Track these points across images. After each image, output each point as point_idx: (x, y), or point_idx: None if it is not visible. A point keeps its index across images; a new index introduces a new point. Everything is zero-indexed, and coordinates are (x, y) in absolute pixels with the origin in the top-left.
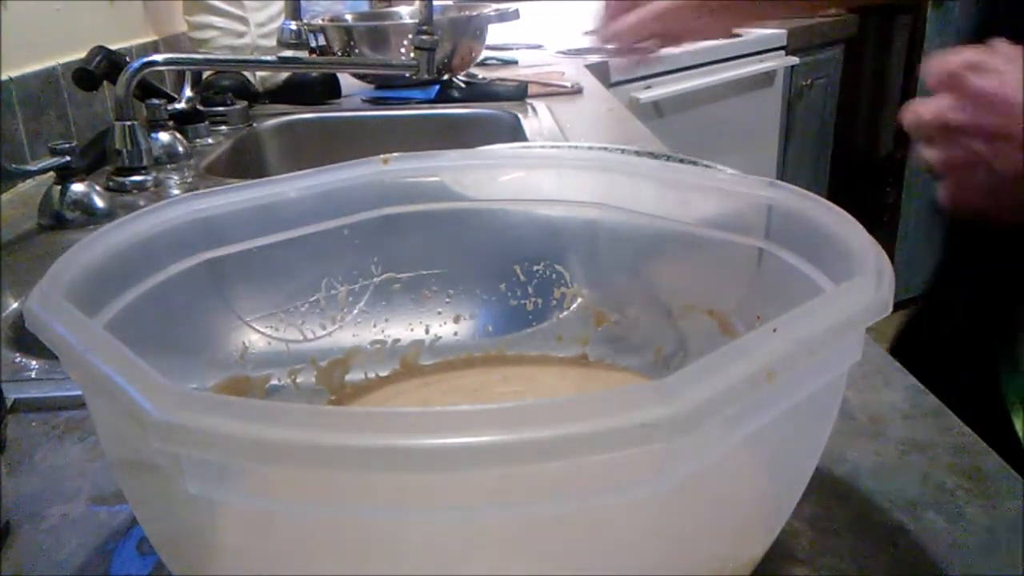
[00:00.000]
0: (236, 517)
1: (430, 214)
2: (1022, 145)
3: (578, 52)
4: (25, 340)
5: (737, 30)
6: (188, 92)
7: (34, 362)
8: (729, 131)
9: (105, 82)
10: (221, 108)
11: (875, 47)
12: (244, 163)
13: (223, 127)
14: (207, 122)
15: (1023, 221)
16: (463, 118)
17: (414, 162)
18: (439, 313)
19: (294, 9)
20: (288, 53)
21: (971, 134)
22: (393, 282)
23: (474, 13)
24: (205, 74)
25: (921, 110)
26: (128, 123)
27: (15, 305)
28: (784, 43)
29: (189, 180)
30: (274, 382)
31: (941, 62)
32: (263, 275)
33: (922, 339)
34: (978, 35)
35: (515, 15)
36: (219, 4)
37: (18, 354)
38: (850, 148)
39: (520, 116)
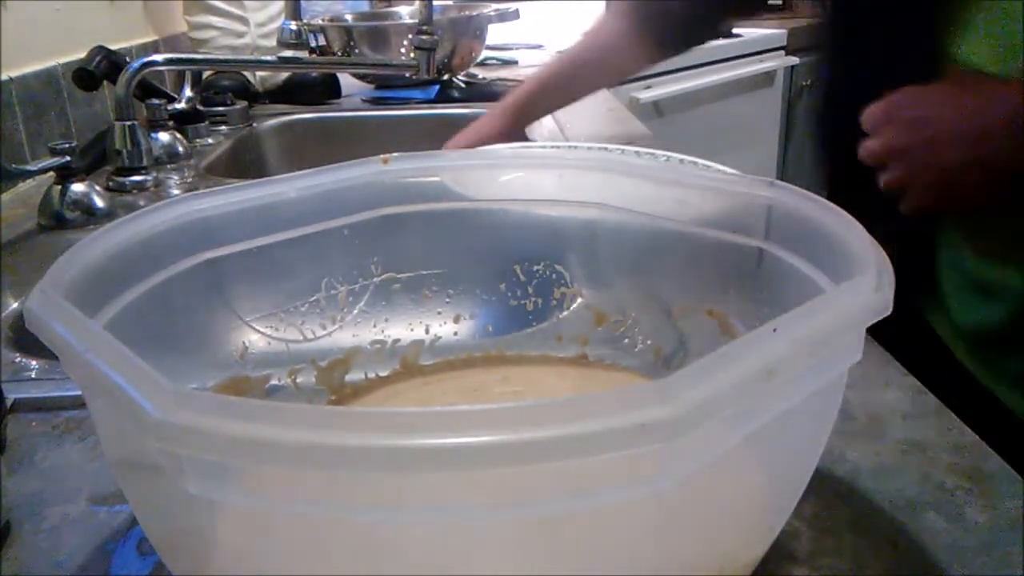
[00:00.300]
0: (236, 517)
1: (430, 214)
2: (951, 144)
3: None
4: (25, 340)
5: (737, 29)
6: (188, 92)
7: (34, 362)
8: (729, 131)
9: (105, 82)
10: (221, 108)
11: None
12: (244, 163)
13: (223, 127)
14: (207, 122)
15: (972, 206)
16: (463, 118)
17: (414, 162)
18: (439, 313)
19: (294, 9)
20: (288, 53)
21: (915, 149)
22: (393, 282)
23: (474, 13)
24: (205, 74)
25: (872, 144)
26: (128, 123)
27: (15, 305)
28: (784, 43)
29: (189, 180)
30: (274, 382)
31: (874, 109)
32: (263, 275)
33: None
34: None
35: (515, 15)
36: (219, 4)
37: (18, 354)
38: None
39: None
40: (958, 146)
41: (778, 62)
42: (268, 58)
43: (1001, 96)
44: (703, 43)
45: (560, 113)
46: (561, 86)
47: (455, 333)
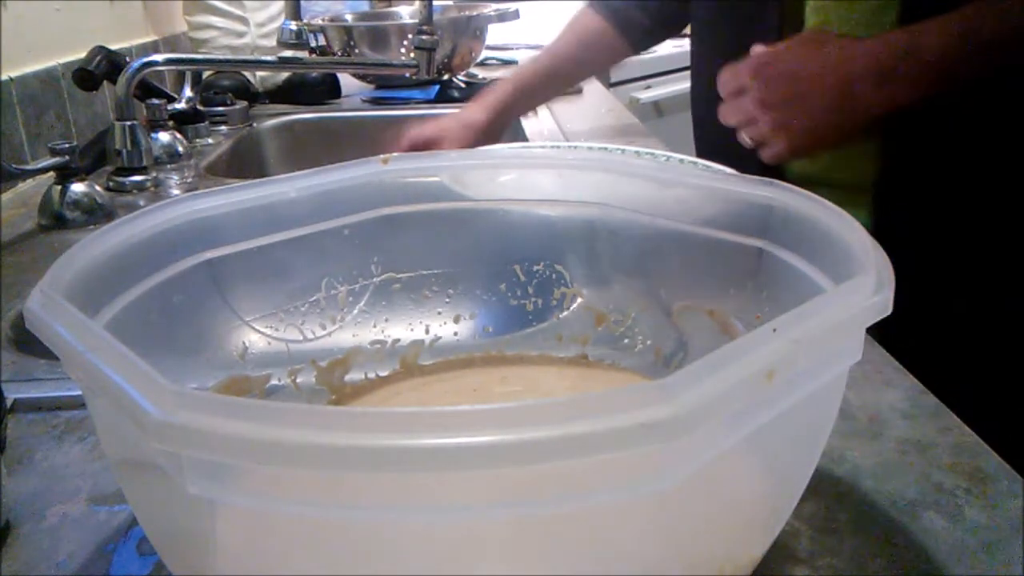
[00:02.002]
0: (236, 517)
1: (430, 214)
2: (819, 95)
3: None
4: (25, 340)
5: None
6: (188, 92)
7: (34, 362)
8: None
9: (105, 82)
10: (221, 108)
11: None
12: (244, 163)
13: (223, 127)
14: (207, 122)
15: (828, 147)
16: None
17: (414, 162)
18: (439, 313)
19: (294, 9)
20: (288, 53)
21: (786, 101)
22: (393, 282)
23: (474, 13)
24: (205, 74)
25: (740, 102)
26: (128, 123)
27: (15, 305)
28: None
29: (189, 180)
30: (274, 382)
31: (739, 68)
32: (263, 275)
33: None
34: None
35: (515, 15)
36: (219, 4)
37: (18, 354)
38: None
39: (520, 116)
40: (825, 95)
41: None
42: (268, 58)
43: (862, 49)
44: (671, 37)
45: (560, 113)
46: (540, 83)
47: (455, 333)
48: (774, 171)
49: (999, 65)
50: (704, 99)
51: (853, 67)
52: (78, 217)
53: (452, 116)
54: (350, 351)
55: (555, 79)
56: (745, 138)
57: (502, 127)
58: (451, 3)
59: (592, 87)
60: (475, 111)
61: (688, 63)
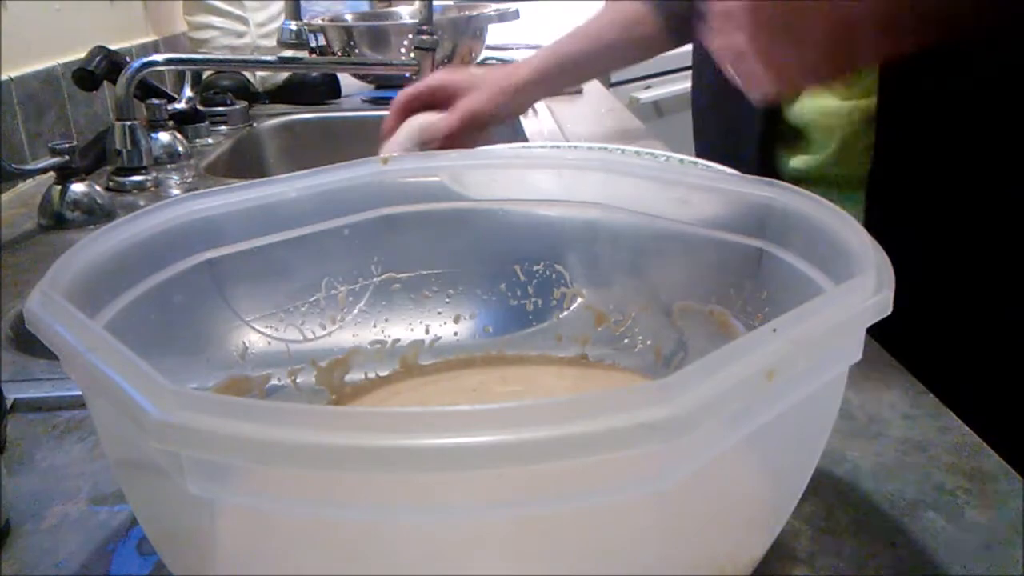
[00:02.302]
0: (236, 517)
1: (430, 214)
2: (816, 43)
3: None
4: (26, 340)
5: None
6: (188, 92)
7: (34, 362)
8: None
9: (105, 82)
10: (221, 108)
11: None
12: (244, 163)
13: (223, 127)
14: (207, 122)
15: (831, 76)
16: None
17: (414, 162)
18: (439, 313)
19: (294, 9)
20: (288, 53)
21: (780, 39)
22: (393, 282)
23: (474, 13)
24: (205, 74)
25: (730, 33)
26: (128, 123)
27: (15, 305)
28: None
29: (189, 180)
30: (274, 382)
31: (734, 9)
32: (263, 275)
33: None
34: None
35: (515, 15)
36: (219, 4)
37: (18, 354)
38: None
39: (520, 116)
40: (822, 36)
41: None
42: (268, 58)
43: None
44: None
45: (560, 113)
46: (570, 67)
47: (455, 333)
48: (772, 171)
49: (1005, 16)
50: (705, 99)
51: (853, 10)
52: (78, 217)
53: (488, 69)
54: (350, 351)
55: (593, 61)
56: (734, 75)
57: (532, 97)
58: (451, 3)
59: (592, 87)
60: (516, 66)
61: (688, 63)
